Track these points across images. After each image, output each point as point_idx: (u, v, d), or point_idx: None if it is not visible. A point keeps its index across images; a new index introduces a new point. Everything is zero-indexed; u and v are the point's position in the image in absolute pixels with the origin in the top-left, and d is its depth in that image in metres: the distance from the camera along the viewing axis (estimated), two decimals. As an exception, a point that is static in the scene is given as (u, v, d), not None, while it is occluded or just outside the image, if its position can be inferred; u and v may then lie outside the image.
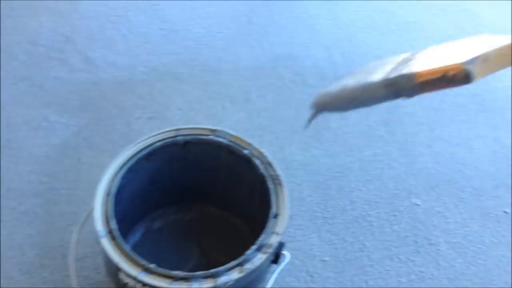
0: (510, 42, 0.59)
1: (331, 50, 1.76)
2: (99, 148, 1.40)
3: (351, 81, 0.77)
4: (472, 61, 0.59)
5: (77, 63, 1.63)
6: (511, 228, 1.29)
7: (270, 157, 0.94)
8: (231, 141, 0.94)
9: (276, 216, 0.85)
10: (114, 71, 1.62)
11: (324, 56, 1.74)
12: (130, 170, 0.94)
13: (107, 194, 0.86)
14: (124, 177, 0.92)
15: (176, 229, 1.14)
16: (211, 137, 0.95)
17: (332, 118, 1.54)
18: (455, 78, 0.62)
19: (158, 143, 0.93)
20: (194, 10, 1.84)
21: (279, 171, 0.93)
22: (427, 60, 0.66)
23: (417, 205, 1.33)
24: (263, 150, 0.95)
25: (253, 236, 0.86)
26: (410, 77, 0.63)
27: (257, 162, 0.91)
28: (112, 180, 0.88)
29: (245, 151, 0.93)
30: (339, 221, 1.28)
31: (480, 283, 1.17)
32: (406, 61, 0.70)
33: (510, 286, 1.17)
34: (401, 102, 1.57)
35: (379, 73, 0.70)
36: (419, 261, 1.21)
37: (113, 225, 0.82)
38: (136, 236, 1.11)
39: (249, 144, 0.94)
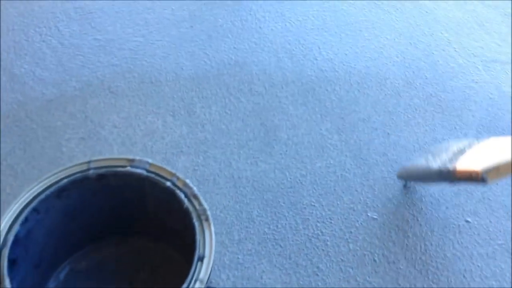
0: None
1: (280, 55, 1.65)
2: (25, 176, 1.25)
3: (422, 162, 1.03)
4: (488, 169, 0.79)
5: (1, 81, 1.47)
6: (473, 239, 1.20)
7: (196, 189, 0.82)
8: (151, 172, 0.81)
9: (201, 259, 0.73)
10: (43, 88, 1.46)
11: (273, 61, 1.63)
12: (36, 211, 0.80)
13: (1, 246, 0.72)
14: (29, 220, 0.78)
15: (105, 267, 1.00)
16: (127, 168, 0.82)
17: (282, 128, 1.43)
18: (476, 179, 0.82)
19: (66, 179, 0.80)
20: (131, 17, 1.70)
21: (206, 204, 0.81)
22: (466, 160, 0.89)
23: (374, 219, 1.23)
24: (187, 180, 0.82)
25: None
26: (451, 173, 0.88)
27: (181, 195, 0.79)
28: (10, 227, 0.74)
29: (168, 183, 0.80)
30: (291, 243, 1.17)
31: (443, 302, 1.08)
32: (456, 154, 0.93)
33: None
34: (354, 107, 1.47)
35: (438, 160, 0.96)
36: (378, 282, 1.11)
37: (8, 284, 0.68)
38: (58, 279, 0.97)
39: (173, 175, 0.81)
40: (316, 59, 1.65)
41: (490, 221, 1.23)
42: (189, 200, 0.78)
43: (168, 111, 1.42)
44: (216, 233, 1.13)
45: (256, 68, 1.60)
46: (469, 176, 0.84)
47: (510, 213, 1.25)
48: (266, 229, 1.19)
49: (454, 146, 0.97)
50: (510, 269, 1.10)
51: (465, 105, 1.55)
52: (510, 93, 1.61)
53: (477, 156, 0.88)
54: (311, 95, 1.53)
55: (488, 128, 1.48)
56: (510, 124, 1.50)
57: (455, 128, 1.47)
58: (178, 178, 0.80)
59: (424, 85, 1.60)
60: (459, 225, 1.23)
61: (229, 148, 1.35)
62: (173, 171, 0.81)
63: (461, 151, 0.92)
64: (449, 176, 0.89)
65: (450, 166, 0.89)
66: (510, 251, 1.15)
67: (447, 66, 1.69)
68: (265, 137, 1.40)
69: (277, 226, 1.19)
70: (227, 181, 1.27)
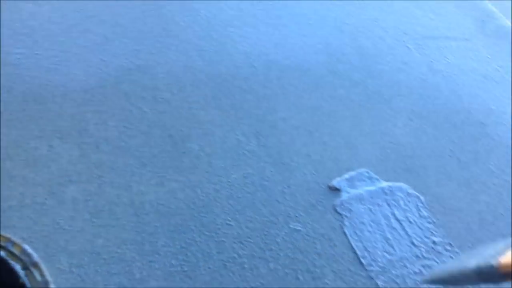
0: None
1: (189, 53, 1.55)
2: None
3: (455, 264, 0.91)
4: None
5: None
6: (406, 234, 1.15)
7: (37, 256, 0.71)
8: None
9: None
10: None
11: (181, 61, 1.53)
12: None
13: None
14: None
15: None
16: None
17: (193, 138, 1.33)
18: None
19: None
20: (13, 26, 1.55)
21: (49, 275, 0.70)
22: None
23: (297, 230, 1.16)
24: (26, 246, 0.71)
25: None
26: (494, 268, 0.77)
27: (16, 266, 0.67)
28: None
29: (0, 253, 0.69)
30: (202, 272, 1.08)
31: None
32: (500, 251, 0.82)
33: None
34: (273, 105, 1.40)
35: (475, 258, 0.84)
36: (302, 305, 1.04)
37: None
38: None
39: (7, 240, 0.70)
40: (231, 55, 1.56)
41: (424, 219, 1.18)
42: (28, 271, 0.66)
43: (54, 132, 1.29)
44: (113, 274, 1.03)
45: (162, 71, 1.50)
46: None
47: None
48: (173, 261, 1.09)
49: (493, 246, 0.87)
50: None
51: (395, 91, 1.50)
52: (444, 71, 1.57)
53: None
54: (225, 97, 1.45)
55: (421, 115, 1.43)
56: (444, 107, 1.46)
57: (384, 118, 1.42)
58: (14, 244, 0.69)
59: (349, 73, 1.54)
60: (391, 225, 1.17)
61: (129, 169, 1.25)
62: (8, 235, 0.69)
63: (503, 249, 0.82)
64: (492, 274, 0.78)
65: (493, 262, 0.79)
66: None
67: (374, 49, 1.64)
68: (173, 151, 1.30)
69: (186, 255, 1.10)
70: (126, 209, 1.17)
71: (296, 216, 1.18)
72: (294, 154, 1.30)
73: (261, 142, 1.33)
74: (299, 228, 1.16)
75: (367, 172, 1.25)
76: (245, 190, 1.23)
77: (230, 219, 1.17)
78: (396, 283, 1.07)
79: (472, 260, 0.84)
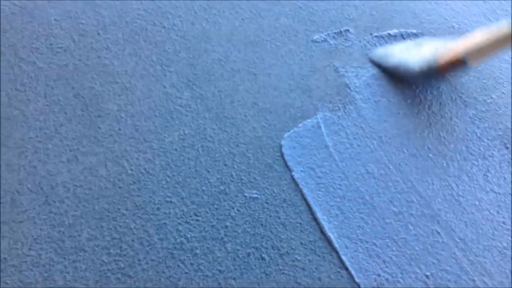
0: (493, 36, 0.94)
1: (87, -14, 1.29)
2: None
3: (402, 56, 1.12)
4: (468, 52, 0.96)
5: None
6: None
7: None
8: None
9: None
10: None
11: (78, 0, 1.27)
12: None
13: None
14: None
15: None
16: None
17: (109, 96, 1.12)
18: (459, 64, 0.98)
19: None
20: None
21: None
22: (451, 48, 1.01)
23: (254, 199, 1.02)
24: None
25: None
26: (435, 60, 1.01)
27: None
28: None
29: None
30: (145, 267, 0.92)
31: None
32: (440, 47, 1.04)
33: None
34: (204, 45, 1.20)
35: (418, 57, 1.07)
36: (271, 286, 0.92)
37: None
38: None
39: None
40: (141, -15, 1.32)
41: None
42: None
43: None
44: (27, 284, 0.84)
45: (55, 13, 1.24)
46: (454, 61, 0.98)
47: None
48: (104, 257, 0.92)
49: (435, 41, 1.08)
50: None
51: (344, 11, 1.35)
52: None
53: (458, 45, 1.00)
54: (143, 39, 1.23)
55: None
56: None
57: (338, 48, 1.27)
58: None
59: (290, -3, 1.36)
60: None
61: (30, 144, 1.03)
62: None
63: (443, 45, 1.02)
64: (433, 66, 1.01)
65: (433, 61, 1.02)
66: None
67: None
68: (85, 115, 1.09)
69: (120, 247, 0.93)
70: (33, 197, 0.97)
71: (251, 181, 1.03)
72: (239, 105, 1.14)
73: (196, 93, 1.15)
74: (256, 195, 1.02)
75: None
76: (184, 156, 1.06)
77: (170, 194, 1.01)
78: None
79: (414, 57, 1.07)
